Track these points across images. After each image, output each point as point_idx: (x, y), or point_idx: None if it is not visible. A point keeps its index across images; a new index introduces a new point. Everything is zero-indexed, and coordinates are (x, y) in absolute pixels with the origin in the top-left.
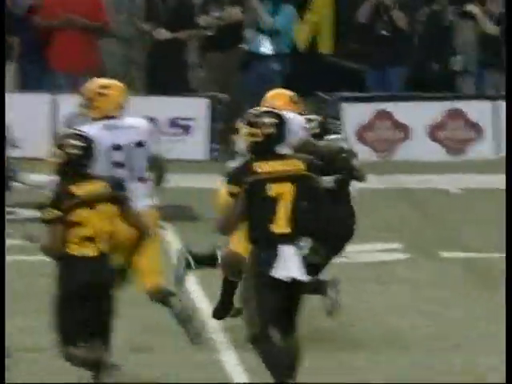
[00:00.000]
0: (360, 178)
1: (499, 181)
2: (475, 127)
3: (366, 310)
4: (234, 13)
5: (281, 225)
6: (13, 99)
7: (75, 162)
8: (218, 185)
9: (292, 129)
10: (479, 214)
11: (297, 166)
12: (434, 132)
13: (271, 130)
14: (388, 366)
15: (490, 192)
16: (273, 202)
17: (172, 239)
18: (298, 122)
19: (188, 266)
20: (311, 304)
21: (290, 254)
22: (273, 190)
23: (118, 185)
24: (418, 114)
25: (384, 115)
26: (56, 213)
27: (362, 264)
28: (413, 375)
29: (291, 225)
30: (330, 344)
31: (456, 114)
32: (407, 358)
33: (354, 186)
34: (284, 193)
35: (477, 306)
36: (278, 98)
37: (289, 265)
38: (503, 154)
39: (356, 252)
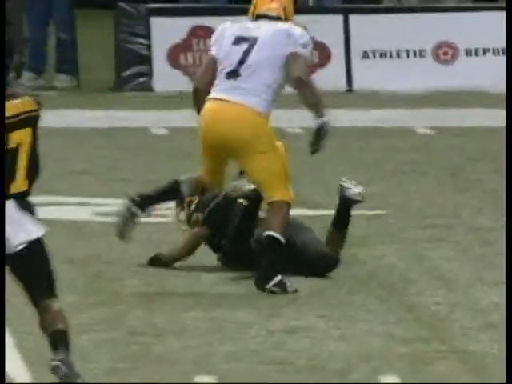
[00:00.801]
0: None
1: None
2: (321, 48)
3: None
4: None
5: (19, 182)
6: None
7: None
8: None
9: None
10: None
11: (31, 104)
12: None
13: None
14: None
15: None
16: (13, 155)
17: None
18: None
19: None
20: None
21: (20, 217)
22: (13, 139)
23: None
24: None
25: (206, 31)
26: None
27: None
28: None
29: (28, 180)
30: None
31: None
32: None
33: None
34: (24, 141)
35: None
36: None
37: (24, 231)
38: (355, 84)
39: None
